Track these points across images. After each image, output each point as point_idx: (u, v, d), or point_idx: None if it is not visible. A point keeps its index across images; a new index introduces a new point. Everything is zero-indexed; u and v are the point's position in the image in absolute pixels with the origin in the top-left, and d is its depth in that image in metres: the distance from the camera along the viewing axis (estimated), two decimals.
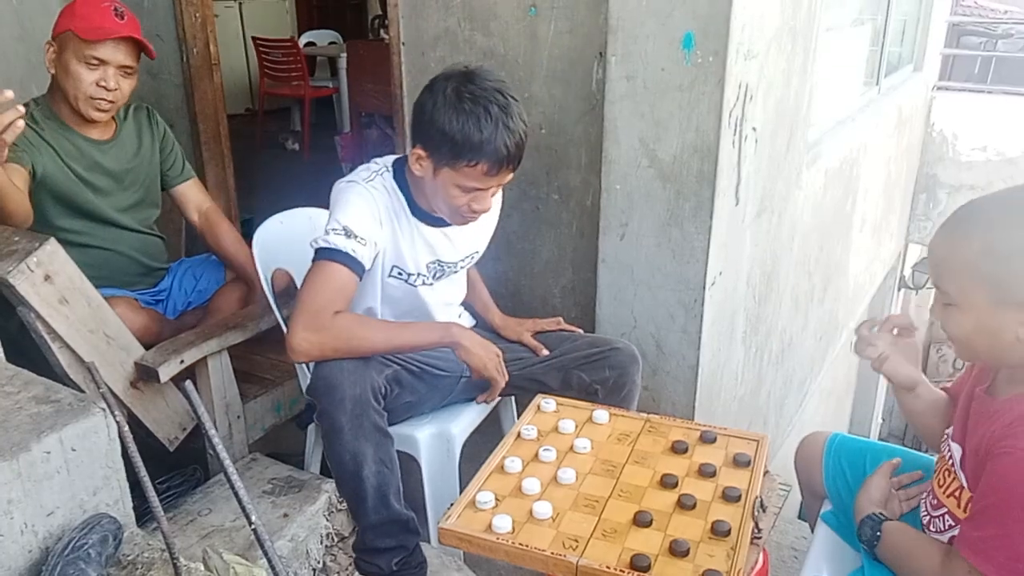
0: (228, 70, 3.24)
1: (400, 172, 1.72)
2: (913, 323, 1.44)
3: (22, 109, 1.52)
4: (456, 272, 1.86)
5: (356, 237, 1.59)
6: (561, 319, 2.00)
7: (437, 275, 1.81)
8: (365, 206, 1.63)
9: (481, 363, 1.72)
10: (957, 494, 1.26)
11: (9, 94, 1.49)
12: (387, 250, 1.70)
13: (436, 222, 1.74)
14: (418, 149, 1.60)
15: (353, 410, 1.53)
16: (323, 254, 1.59)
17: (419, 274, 1.76)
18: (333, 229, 1.60)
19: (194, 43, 2.76)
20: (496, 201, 1.88)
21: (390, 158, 1.76)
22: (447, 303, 1.89)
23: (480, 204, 1.63)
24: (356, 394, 1.53)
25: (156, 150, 2.13)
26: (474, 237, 1.85)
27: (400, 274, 1.75)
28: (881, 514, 1.35)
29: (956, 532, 1.24)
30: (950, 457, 1.30)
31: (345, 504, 1.76)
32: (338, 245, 1.58)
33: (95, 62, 1.88)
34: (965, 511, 1.23)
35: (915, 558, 1.26)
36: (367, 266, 1.63)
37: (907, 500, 1.44)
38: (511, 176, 1.63)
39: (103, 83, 1.89)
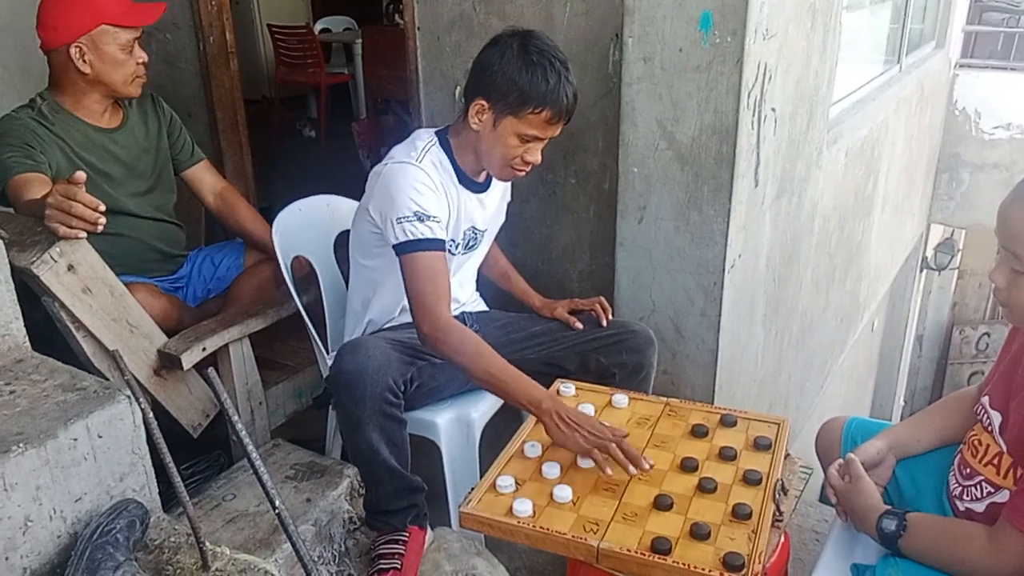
0: (244, 57, 3.24)
1: (444, 141, 1.76)
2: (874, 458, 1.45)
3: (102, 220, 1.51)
4: (482, 243, 1.90)
5: (430, 218, 1.64)
6: (602, 298, 1.97)
7: (470, 244, 1.85)
8: (426, 186, 1.67)
9: (562, 441, 1.50)
10: (996, 460, 1.27)
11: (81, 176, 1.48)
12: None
13: (476, 187, 1.80)
14: (480, 101, 1.66)
15: (371, 406, 1.55)
16: (407, 247, 1.63)
17: (455, 241, 1.80)
18: (405, 218, 1.62)
19: (210, 31, 2.77)
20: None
21: (430, 131, 1.79)
22: (463, 282, 1.91)
23: (532, 155, 1.70)
24: (376, 393, 1.55)
25: (164, 135, 2.14)
26: (499, 205, 1.92)
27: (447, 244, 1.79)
28: (898, 509, 1.33)
29: (997, 498, 1.24)
30: (988, 425, 1.31)
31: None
32: (417, 234, 1.62)
33: (134, 43, 1.92)
34: (1006, 477, 1.24)
35: (955, 544, 1.22)
36: (446, 238, 1.70)
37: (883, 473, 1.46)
38: (560, 131, 1.70)
39: (140, 59, 1.96)
